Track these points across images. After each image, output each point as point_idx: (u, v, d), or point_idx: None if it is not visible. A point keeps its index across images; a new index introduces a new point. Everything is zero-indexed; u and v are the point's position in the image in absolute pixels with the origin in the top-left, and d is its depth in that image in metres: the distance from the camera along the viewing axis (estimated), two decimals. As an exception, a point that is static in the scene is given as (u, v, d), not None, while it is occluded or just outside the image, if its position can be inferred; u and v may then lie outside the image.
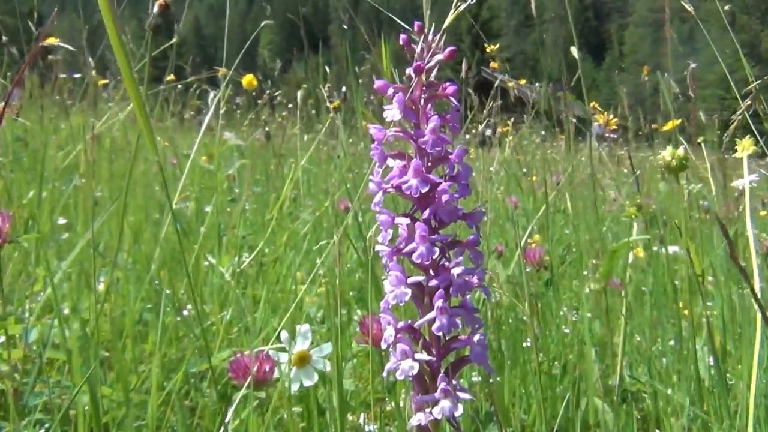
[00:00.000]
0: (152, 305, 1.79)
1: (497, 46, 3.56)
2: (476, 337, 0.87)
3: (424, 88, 0.88)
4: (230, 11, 3.07)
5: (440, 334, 0.85)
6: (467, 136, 4.48)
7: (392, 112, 0.86)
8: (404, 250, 0.87)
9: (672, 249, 3.25)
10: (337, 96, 3.65)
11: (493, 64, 3.38)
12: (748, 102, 1.00)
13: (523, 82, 4.96)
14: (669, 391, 1.71)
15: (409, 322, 0.89)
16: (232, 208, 3.22)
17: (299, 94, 3.10)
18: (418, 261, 0.85)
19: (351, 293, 2.55)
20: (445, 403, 0.83)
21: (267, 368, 1.09)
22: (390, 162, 0.89)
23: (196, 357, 1.55)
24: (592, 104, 2.63)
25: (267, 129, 3.66)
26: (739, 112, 0.99)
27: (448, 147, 0.87)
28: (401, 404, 1.28)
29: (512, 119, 4.03)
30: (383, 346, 0.87)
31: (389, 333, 0.88)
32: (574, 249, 3.41)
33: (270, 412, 1.02)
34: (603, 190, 5.78)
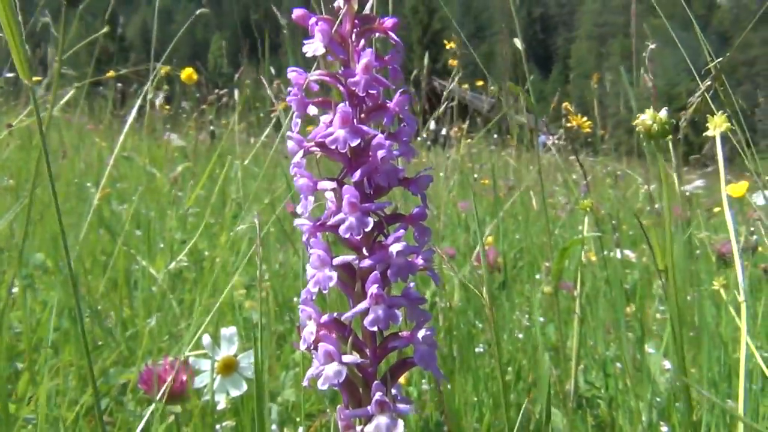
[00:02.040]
0: (70, 312, 1.63)
1: (453, 44, 3.51)
2: (421, 333, 0.70)
3: (356, 21, 0.71)
4: (179, 16, 2.94)
5: (375, 328, 0.68)
6: (418, 138, 4.43)
7: (314, 46, 0.70)
8: (329, 223, 0.70)
9: (620, 252, 3.23)
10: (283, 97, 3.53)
11: (451, 62, 3.32)
12: (708, 82, 0.93)
13: (480, 83, 4.93)
14: (621, 398, 1.65)
15: (335, 315, 0.71)
16: (172, 211, 3.06)
17: (236, 92, 2.96)
18: (347, 235, 0.68)
19: (295, 299, 2.43)
20: (380, 419, 0.66)
21: (184, 378, 0.95)
22: (312, 110, 0.71)
23: (119, 368, 1.40)
24: (564, 104, 2.59)
25: (212, 128, 3.51)
26: (698, 93, 0.92)
27: (387, 96, 0.70)
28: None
29: (467, 122, 3.99)
30: (302, 347, 0.69)
31: (310, 330, 0.70)
32: (525, 254, 3.37)
33: (191, 427, 0.90)
34: (552, 196, 5.82)
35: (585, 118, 2.56)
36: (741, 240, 2.55)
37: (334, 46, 0.71)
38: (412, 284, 0.72)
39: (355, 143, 0.68)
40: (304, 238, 0.72)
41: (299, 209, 0.72)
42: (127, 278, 1.91)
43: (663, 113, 0.83)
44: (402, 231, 0.70)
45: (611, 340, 2.14)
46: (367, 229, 0.68)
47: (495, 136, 5.68)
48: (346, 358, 0.69)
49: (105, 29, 2.29)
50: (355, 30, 0.71)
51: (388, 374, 0.71)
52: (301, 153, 0.72)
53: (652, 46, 1.34)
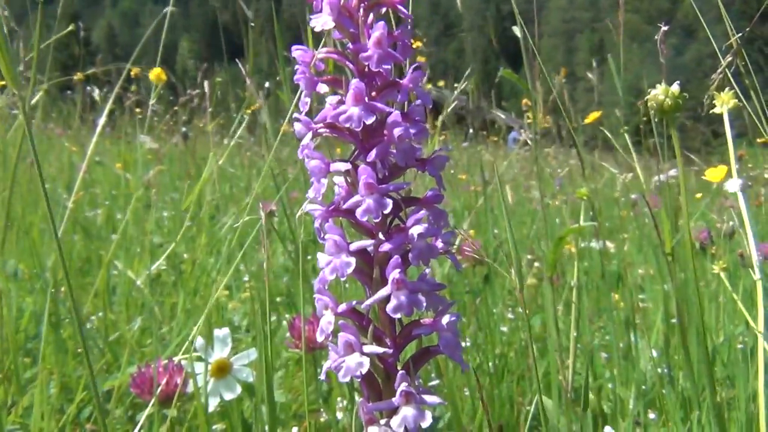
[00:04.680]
0: (49, 318, 1.58)
1: (423, 41, 3.53)
2: (446, 320, 0.66)
3: None
4: (146, 19, 2.89)
5: (398, 316, 0.64)
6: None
7: (322, 19, 0.66)
8: (344, 207, 0.66)
9: (600, 244, 3.26)
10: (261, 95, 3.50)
11: (420, 58, 3.33)
12: (729, 58, 0.92)
13: (441, 83, 4.96)
14: (615, 388, 1.66)
15: (354, 303, 0.68)
16: (147, 215, 3.01)
17: (206, 84, 2.91)
18: (365, 218, 0.64)
19: (279, 299, 2.40)
20: (407, 411, 0.62)
21: (177, 380, 0.92)
22: (322, 88, 0.68)
23: (102, 374, 1.36)
24: (524, 101, 2.61)
25: (185, 129, 3.45)
26: (720, 69, 0.91)
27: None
28: (338, 415, 1.14)
29: (440, 118, 4.00)
30: (319, 337, 0.66)
31: (327, 320, 0.66)
32: (506, 247, 3.38)
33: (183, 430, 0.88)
34: (527, 190, 5.86)
35: (542, 114, 2.57)
36: (720, 226, 2.58)
37: (343, 20, 0.68)
38: (427, 270, 0.69)
39: (370, 120, 0.64)
40: (316, 224, 0.69)
41: (311, 193, 0.68)
42: (106, 283, 1.87)
43: (675, 87, 0.82)
44: (422, 212, 0.67)
45: (596, 329, 2.15)
46: (386, 211, 0.64)
47: (470, 131, 5.70)
48: (367, 349, 0.65)
49: (70, 27, 2.24)
50: (362, 4, 0.68)
51: (411, 364, 0.67)
52: (309, 135, 0.68)
53: (665, 28, 1.34)
